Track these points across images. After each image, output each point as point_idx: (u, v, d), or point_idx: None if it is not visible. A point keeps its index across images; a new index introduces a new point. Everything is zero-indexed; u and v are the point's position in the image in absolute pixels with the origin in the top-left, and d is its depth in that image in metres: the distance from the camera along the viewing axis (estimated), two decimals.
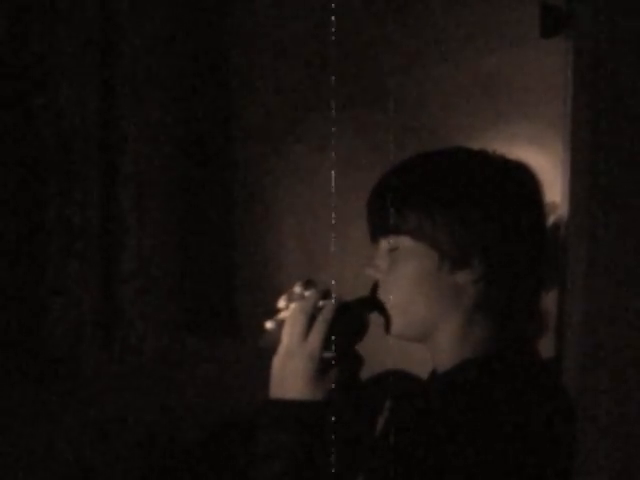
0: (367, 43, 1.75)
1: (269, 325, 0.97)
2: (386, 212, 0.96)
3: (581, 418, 0.79)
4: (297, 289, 0.98)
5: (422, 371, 1.08)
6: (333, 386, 0.90)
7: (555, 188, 1.09)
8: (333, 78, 1.79)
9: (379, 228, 0.98)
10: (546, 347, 1.07)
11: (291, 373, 0.91)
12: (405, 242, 0.95)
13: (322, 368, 0.90)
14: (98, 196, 1.67)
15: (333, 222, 1.82)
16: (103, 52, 1.66)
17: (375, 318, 0.98)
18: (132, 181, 1.71)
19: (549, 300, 1.08)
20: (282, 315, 0.96)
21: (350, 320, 0.95)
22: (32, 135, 1.56)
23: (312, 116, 1.84)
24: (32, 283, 1.59)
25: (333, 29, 1.78)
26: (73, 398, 1.71)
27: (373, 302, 0.97)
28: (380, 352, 1.19)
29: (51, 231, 1.60)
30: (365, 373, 1.00)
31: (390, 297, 0.96)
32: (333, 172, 1.83)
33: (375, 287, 0.99)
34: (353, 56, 1.77)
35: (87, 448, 1.71)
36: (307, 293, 0.97)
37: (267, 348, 0.95)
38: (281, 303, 0.98)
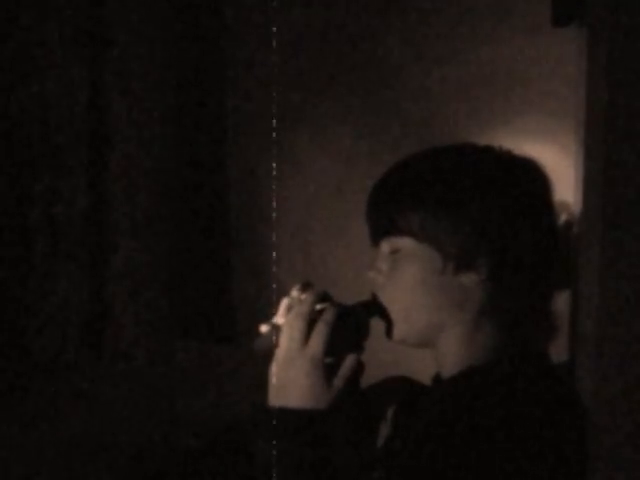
0: (370, 34, 1.75)
1: (264, 329, 0.97)
2: (387, 212, 0.96)
3: (596, 427, 0.78)
4: (294, 293, 0.98)
5: (426, 377, 1.08)
6: (337, 393, 0.90)
7: (567, 185, 1.08)
8: (335, 70, 1.79)
9: (380, 229, 0.98)
10: (558, 351, 1.07)
11: (292, 380, 0.90)
12: (407, 243, 0.94)
13: (324, 374, 0.90)
14: (86, 193, 1.66)
15: (333, 222, 1.82)
16: (92, 42, 1.66)
17: (376, 323, 0.98)
18: (122, 178, 1.71)
19: (561, 301, 1.08)
20: (278, 318, 0.96)
21: (351, 324, 0.95)
22: (17, 129, 1.56)
23: (311, 112, 1.84)
24: (17, 284, 1.59)
25: (335, 19, 1.78)
26: (60, 405, 1.70)
27: (374, 306, 0.97)
28: (382, 358, 1.19)
29: (37, 230, 1.59)
30: (366, 380, 0.99)
31: (392, 301, 0.96)
32: (333, 169, 1.82)
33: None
34: (355, 47, 1.77)
35: (74, 457, 1.71)
36: (305, 295, 0.97)
37: (262, 352, 0.95)
38: (280, 308, 0.98)
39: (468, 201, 0.91)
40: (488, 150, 0.98)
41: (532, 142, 1.47)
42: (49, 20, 1.57)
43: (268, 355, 0.94)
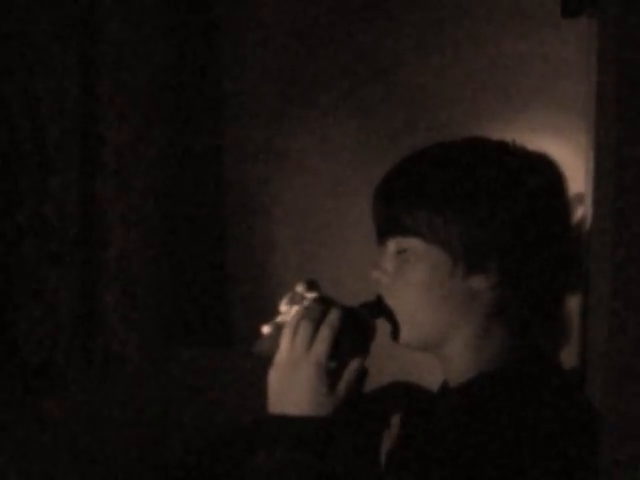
0: (372, 28, 1.75)
1: (266, 329, 0.96)
2: (393, 210, 0.95)
3: (608, 435, 0.79)
4: (298, 288, 0.97)
5: (431, 383, 1.08)
6: (340, 400, 0.90)
7: (578, 181, 1.08)
8: (335, 67, 1.79)
9: (386, 228, 0.98)
10: (568, 356, 1.07)
11: (294, 385, 0.90)
12: (414, 244, 0.94)
13: (327, 380, 0.90)
14: (77, 192, 1.66)
15: (334, 222, 1.82)
16: (84, 34, 1.65)
17: (381, 325, 0.98)
18: (114, 175, 1.71)
19: (572, 304, 1.08)
20: (281, 319, 0.96)
21: (356, 328, 0.94)
22: (4, 124, 1.56)
23: (311, 106, 1.83)
24: (4, 287, 1.59)
25: (335, 14, 1.78)
26: (48, 412, 1.70)
27: (380, 307, 0.97)
28: (385, 362, 1.19)
29: (25, 229, 1.59)
30: (368, 385, 0.99)
31: (398, 303, 0.96)
32: (333, 166, 1.82)
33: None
34: (356, 42, 1.76)
35: (63, 468, 1.71)
36: (309, 295, 0.96)
37: (263, 355, 0.95)
38: (283, 306, 0.97)
39: (479, 200, 0.90)
40: (501, 146, 0.97)
41: (541, 136, 1.47)
42: (38, 10, 1.57)
43: (270, 357, 0.94)
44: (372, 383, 1.02)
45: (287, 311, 0.97)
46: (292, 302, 0.97)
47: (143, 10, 1.77)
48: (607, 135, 0.87)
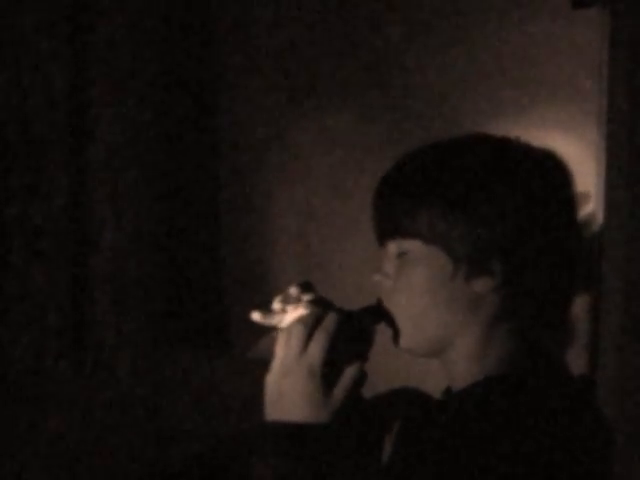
0: (376, 23, 1.75)
1: (256, 316, 0.97)
2: (394, 211, 0.95)
3: (618, 443, 0.78)
4: (293, 291, 0.97)
5: (435, 390, 1.08)
6: (337, 406, 0.90)
7: (588, 179, 1.08)
8: (337, 62, 1.79)
9: (386, 229, 0.98)
10: (577, 361, 1.07)
11: (289, 391, 0.90)
12: (415, 246, 0.94)
13: (324, 385, 0.90)
14: (66, 188, 1.66)
15: (333, 224, 1.82)
16: (73, 25, 1.65)
17: (383, 329, 0.97)
18: (105, 171, 1.70)
19: (580, 307, 1.08)
20: (276, 321, 0.96)
21: (354, 332, 0.94)
22: None
23: (311, 105, 1.84)
24: None
25: (336, 9, 1.78)
26: (37, 418, 1.70)
27: (380, 312, 0.97)
28: (387, 367, 1.19)
29: (13, 229, 1.59)
30: (369, 391, 0.99)
31: (399, 307, 0.96)
32: (332, 166, 1.82)
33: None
34: (358, 37, 1.76)
35: (53, 475, 1.71)
36: (305, 297, 0.97)
37: (259, 359, 0.95)
38: (276, 305, 0.97)
39: (481, 200, 0.90)
40: (504, 142, 0.97)
41: (549, 132, 1.47)
42: (25, 4, 1.57)
43: (265, 361, 0.94)
44: (373, 388, 1.02)
45: (280, 310, 0.97)
46: (285, 302, 0.97)
47: (137, 4, 1.77)
48: (619, 131, 0.87)
